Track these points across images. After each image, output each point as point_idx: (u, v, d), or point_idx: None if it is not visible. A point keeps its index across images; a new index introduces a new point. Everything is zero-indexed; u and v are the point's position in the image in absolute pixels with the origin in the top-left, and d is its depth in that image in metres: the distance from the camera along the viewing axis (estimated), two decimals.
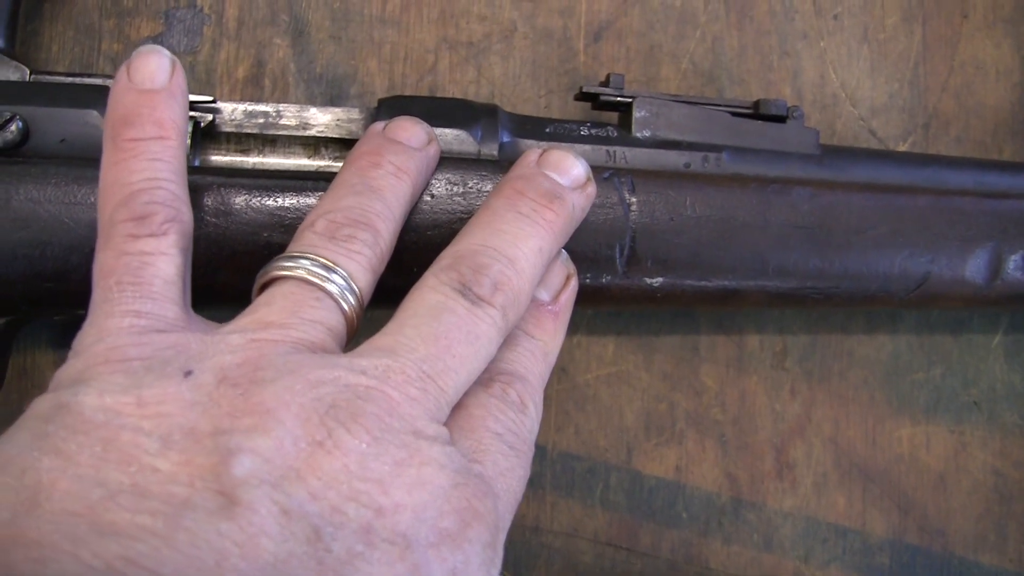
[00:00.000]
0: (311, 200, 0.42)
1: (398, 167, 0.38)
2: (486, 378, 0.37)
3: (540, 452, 0.51)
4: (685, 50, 0.52)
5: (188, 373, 0.30)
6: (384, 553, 0.28)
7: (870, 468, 0.53)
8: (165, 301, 0.33)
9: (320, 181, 0.42)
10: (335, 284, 0.34)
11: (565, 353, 0.51)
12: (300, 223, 0.41)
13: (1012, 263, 0.47)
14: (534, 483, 0.51)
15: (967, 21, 0.54)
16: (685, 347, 0.52)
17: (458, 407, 0.35)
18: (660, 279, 0.44)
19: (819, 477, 0.53)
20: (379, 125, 0.40)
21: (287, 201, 0.42)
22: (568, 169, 0.39)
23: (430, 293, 0.34)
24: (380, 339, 0.33)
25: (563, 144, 0.45)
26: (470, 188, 0.42)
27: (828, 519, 0.53)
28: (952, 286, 0.47)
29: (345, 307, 0.34)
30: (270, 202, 0.42)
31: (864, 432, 0.53)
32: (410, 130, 0.39)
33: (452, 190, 0.42)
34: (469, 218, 0.42)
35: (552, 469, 0.51)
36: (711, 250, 0.45)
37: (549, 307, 0.40)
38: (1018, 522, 0.54)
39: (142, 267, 0.33)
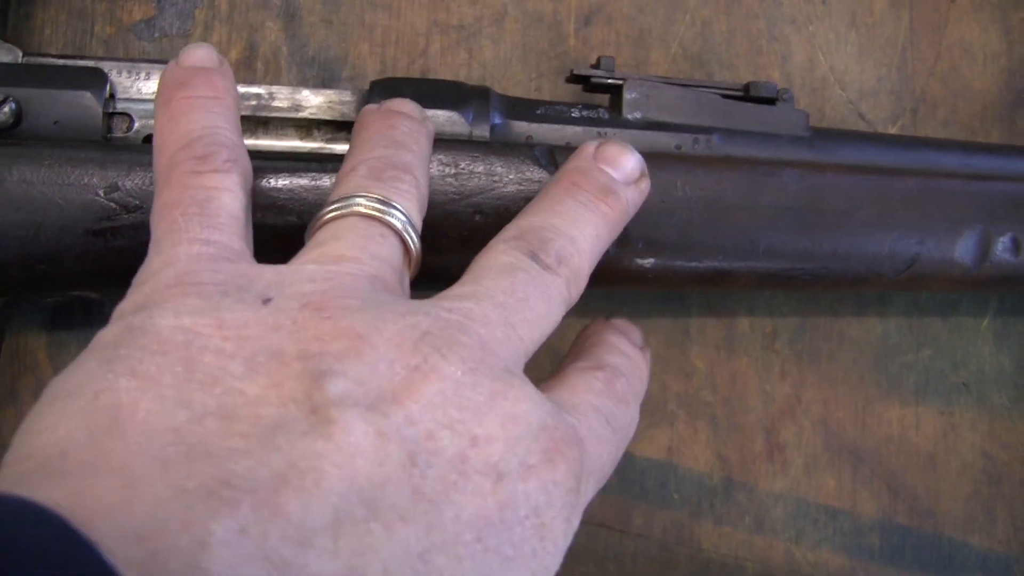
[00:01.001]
0: (304, 181, 0.42)
1: (411, 130, 0.38)
2: (590, 365, 0.38)
3: None
4: (675, 34, 0.52)
5: (267, 300, 0.30)
6: (477, 485, 0.28)
7: (860, 449, 0.54)
8: (232, 234, 0.32)
9: (312, 162, 0.42)
10: (396, 219, 0.34)
11: (556, 335, 0.51)
12: (293, 203, 0.41)
13: (1000, 244, 0.48)
14: None
15: (954, 5, 0.55)
16: (676, 329, 0.52)
17: (558, 379, 0.36)
18: (651, 260, 0.45)
19: (809, 458, 0.53)
20: (373, 106, 0.40)
21: (280, 182, 0.42)
22: (624, 164, 0.39)
23: (502, 255, 0.35)
24: (457, 289, 0.33)
25: (554, 125, 0.45)
26: (462, 169, 0.43)
27: (818, 500, 0.53)
28: (941, 267, 0.48)
29: (409, 243, 0.34)
30: (263, 183, 0.42)
31: (854, 413, 0.54)
32: (408, 105, 0.40)
33: (444, 171, 0.42)
34: (460, 199, 0.43)
35: None
36: (702, 231, 0.45)
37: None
38: (1007, 503, 0.55)
39: (208, 200, 0.32)
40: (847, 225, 0.46)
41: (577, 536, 0.50)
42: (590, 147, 0.40)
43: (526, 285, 0.33)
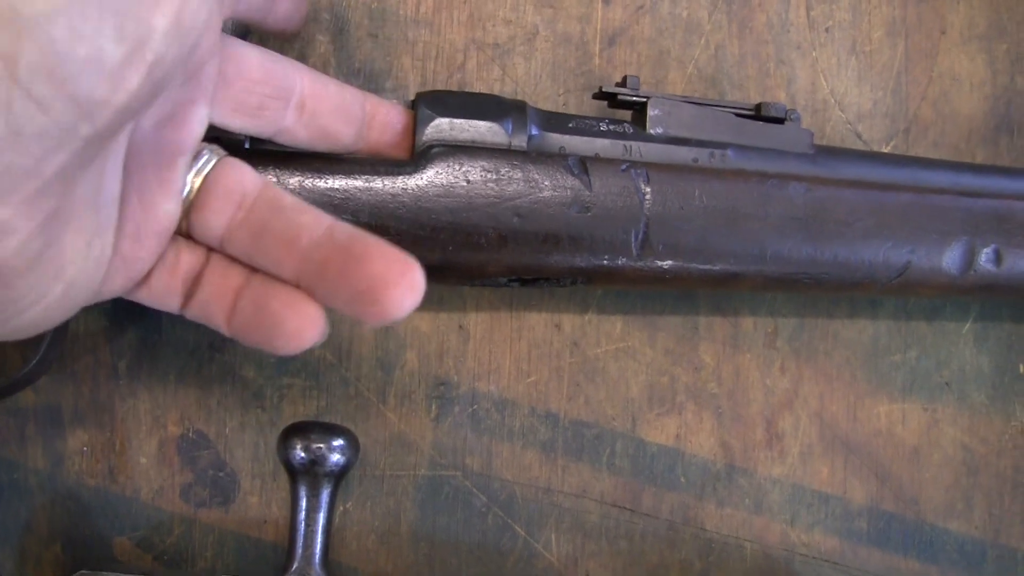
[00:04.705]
0: (358, 182, 0.46)
1: None
2: None
3: (552, 419, 0.55)
4: (691, 56, 0.57)
5: None
6: None
7: (851, 440, 0.58)
8: None
9: (365, 165, 0.46)
10: None
11: (577, 329, 0.55)
12: (348, 203, 0.45)
13: (984, 256, 0.52)
14: (547, 448, 0.55)
15: (945, 37, 0.59)
16: (686, 326, 0.56)
17: None
18: (670, 262, 0.49)
19: (805, 448, 0.57)
20: None
21: (335, 183, 0.45)
22: None
23: None
24: None
25: (584, 137, 0.49)
26: (502, 175, 0.47)
27: (813, 486, 0.57)
28: (929, 275, 0.52)
29: None
30: (320, 184, 0.45)
31: (846, 407, 0.58)
32: None
33: (486, 176, 0.46)
34: (501, 201, 0.47)
35: (563, 435, 0.55)
36: (716, 237, 0.49)
37: None
38: (984, 493, 0.59)
39: None
40: (847, 234, 0.50)
41: (591, 513, 0.55)
42: None
43: None
